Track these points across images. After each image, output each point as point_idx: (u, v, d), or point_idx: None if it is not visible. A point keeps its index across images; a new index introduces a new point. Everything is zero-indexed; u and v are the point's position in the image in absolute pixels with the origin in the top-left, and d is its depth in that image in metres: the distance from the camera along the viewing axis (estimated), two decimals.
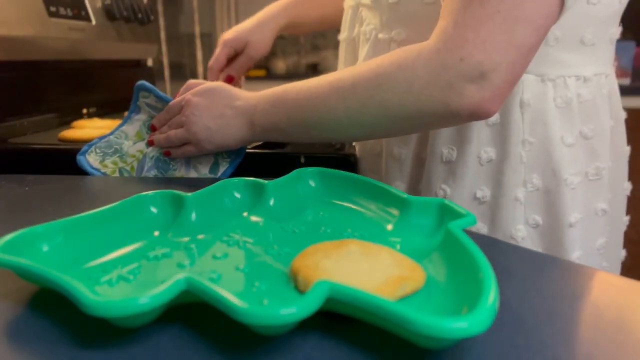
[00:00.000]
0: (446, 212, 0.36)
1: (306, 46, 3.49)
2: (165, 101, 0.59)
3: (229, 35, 0.83)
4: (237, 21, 2.41)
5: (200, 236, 0.36)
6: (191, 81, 0.59)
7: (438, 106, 0.45)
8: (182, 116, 0.56)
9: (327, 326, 0.26)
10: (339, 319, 0.26)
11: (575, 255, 0.57)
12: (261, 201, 0.42)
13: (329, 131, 0.52)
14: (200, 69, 2.19)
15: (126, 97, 1.07)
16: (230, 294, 0.23)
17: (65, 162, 0.62)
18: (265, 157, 0.60)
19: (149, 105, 0.61)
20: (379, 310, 0.22)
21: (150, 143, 0.60)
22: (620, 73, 1.89)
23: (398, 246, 0.36)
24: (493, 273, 0.25)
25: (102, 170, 0.58)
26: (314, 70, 3.22)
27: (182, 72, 2.28)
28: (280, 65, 3.15)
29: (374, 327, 0.25)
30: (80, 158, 0.58)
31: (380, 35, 0.62)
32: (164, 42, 1.94)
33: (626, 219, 0.67)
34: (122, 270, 0.31)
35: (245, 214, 0.41)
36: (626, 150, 0.64)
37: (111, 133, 0.61)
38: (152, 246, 0.34)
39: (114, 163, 0.59)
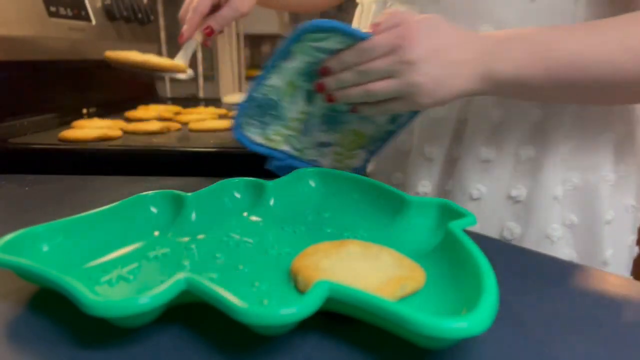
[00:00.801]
0: (446, 212, 0.36)
1: None
2: (357, 38, 0.43)
3: None
4: (237, 21, 2.41)
5: (200, 236, 0.36)
6: (396, 11, 0.44)
7: None
8: (397, 62, 0.41)
9: (327, 326, 0.26)
10: (339, 319, 0.26)
11: (608, 253, 0.55)
12: (261, 201, 0.42)
13: (606, 96, 0.45)
14: (200, 68, 2.18)
15: (126, 97, 1.07)
16: (230, 294, 0.23)
17: (65, 162, 0.62)
18: (265, 157, 0.60)
19: (319, 49, 0.44)
20: (379, 311, 0.22)
21: (320, 89, 0.46)
22: None
23: (398, 246, 0.36)
24: (493, 273, 0.25)
25: (269, 145, 0.50)
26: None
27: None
28: None
29: (373, 327, 0.25)
30: (238, 134, 0.49)
31: None
32: (164, 42, 1.94)
33: None
34: (122, 270, 0.31)
35: (245, 214, 0.41)
36: None
37: (253, 89, 0.47)
38: (152, 246, 0.34)
39: (278, 133, 0.50)
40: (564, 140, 0.53)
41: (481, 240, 0.30)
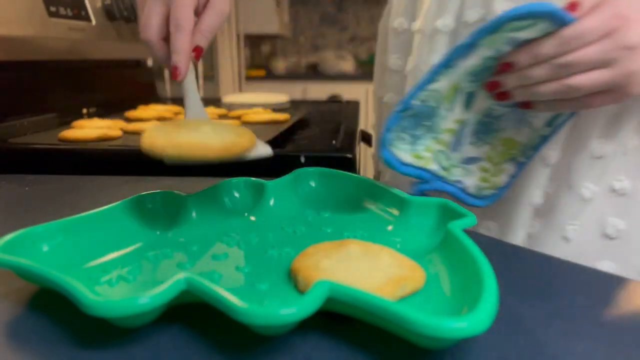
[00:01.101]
0: (446, 212, 0.36)
1: (306, 46, 3.49)
2: (563, 24, 0.35)
3: None
4: (237, 21, 2.41)
5: (200, 236, 0.36)
6: None
7: None
8: (610, 49, 0.35)
9: (327, 326, 0.26)
10: (339, 319, 0.26)
11: None
12: (261, 201, 0.42)
13: None
14: (200, 68, 2.19)
15: (126, 97, 1.07)
16: (230, 294, 0.23)
17: (65, 162, 0.62)
18: (266, 157, 0.60)
19: (511, 41, 0.38)
20: (379, 310, 0.22)
21: (493, 87, 0.40)
22: None
23: (398, 246, 0.36)
24: (493, 273, 0.25)
25: (417, 165, 0.43)
26: (314, 70, 3.22)
27: None
28: (280, 66, 3.15)
29: (373, 327, 0.25)
30: (386, 154, 0.43)
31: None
32: None
33: None
34: (122, 271, 0.31)
35: (245, 214, 0.41)
36: None
37: (412, 94, 0.41)
38: (152, 246, 0.34)
39: (429, 150, 0.44)
40: None
41: (480, 240, 0.30)
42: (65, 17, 0.88)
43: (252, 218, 0.41)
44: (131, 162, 0.61)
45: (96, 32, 0.97)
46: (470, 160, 0.45)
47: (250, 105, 1.03)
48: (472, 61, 0.39)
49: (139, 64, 1.27)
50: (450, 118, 0.43)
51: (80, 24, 0.92)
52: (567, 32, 0.35)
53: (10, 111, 0.78)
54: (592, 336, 0.26)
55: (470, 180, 0.46)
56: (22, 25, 0.76)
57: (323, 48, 3.41)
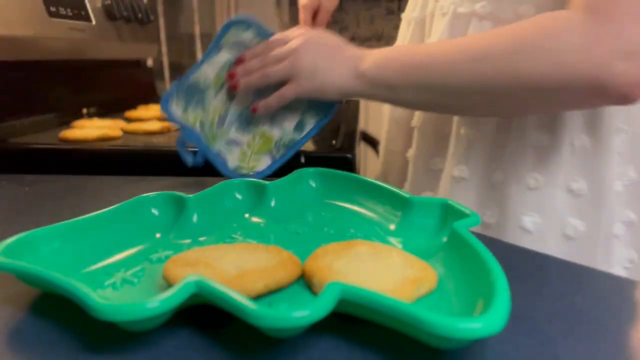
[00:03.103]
0: (449, 212, 0.36)
1: None
2: (265, 37, 0.56)
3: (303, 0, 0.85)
4: None
5: (202, 238, 0.36)
6: (297, 27, 0.58)
7: (587, 81, 0.41)
8: (287, 49, 0.53)
9: (338, 326, 0.26)
10: (346, 318, 0.26)
11: None
12: (262, 202, 0.42)
13: (447, 96, 0.49)
14: None
15: (126, 97, 1.07)
16: (242, 297, 0.23)
17: (65, 162, 0.62)
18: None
19: (239, 43, 0.57)
20: (395, 313, 0.22)
21: (231, 77, 0.55)
22: None
23: (400, 246, 0.36)
24: (503, 273, 0.25)
25: (184, 122, 0.56)
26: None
27: (182, 72, 2.28)
28: None
29: (385, 328, 0.25)
30: (164, 104, 0.56)
31: (460, 10, 0.58)
32: (164, 42, 1.93)
33: None
34: (125, 273, 0.30)
35: (246, 215, 0.41)
36: None
37: (188, 73, 0.57)
38: (155, 248, 0.34)
39: (196, 115, 0.56)
40: (617, 132, 0.52)
41: (480, 240, 0.30)
42: (65, 17, 0.87)
43: (254, 219, 0.41)
44: (131, 162, 0.61)
45: (96, 32, 0.97)
46: (232, 142, 0.57)
47: None
48: (223, 57, 0.57)
49: (139, 64, 1.27)
50: (216, 100, 0.57)
51: (80, 24, 0.92)
52: (266, 41, 0.56)
53: (10, 111, 0.78)
54: (592, 336, 0.26)
55: (231, 158, 0.56)
56: (22, 25, 0.76)
57: None
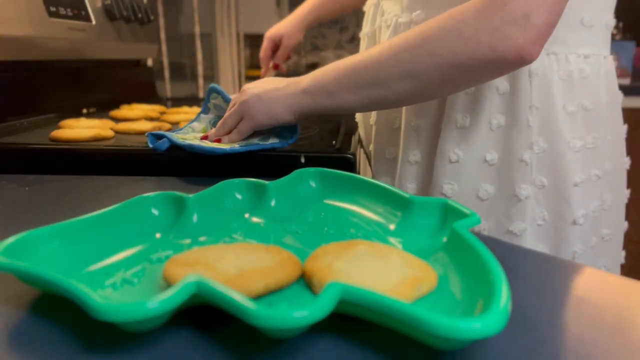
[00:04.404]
0: (449, 212, 0.36)
1: (306, 46, 3.48)
2: (227, 100, 0.67)
3: (269, 32, 1.10)
4: (237, 21, 2.41)
5: (202, 238, 0.36)
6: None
7: (486, 51, 0.48)
8: (235, 99, 0.61)
9: (338, 326, 0.26)
10: (347, 318, 0.26)
11: (580, 213, 0.61)
12: (262, 202, 0.42)
13: (380, 87, 0.54)
14: (200, 69, 2.18)
15: (126, 97, 1.07)
16: (242, 297, 0.23)
17: (65, 162, 0.62)
18: (266, 158, 0.60)
19: (216, 106, 0.69)
20: (395, 313, 0.22)
21: (203, 139, 0.63)
22: (620, 73, 1.89)
23: (400, 246, 0.36)
24: (504, 273, 0.25)
25: (161, 134, 0.62)
26: (314, 70, 3.21)
27: (182, 72, 2.28)
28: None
29: (385, 328, 0.25)
30: (150, 143, 0.61)
31: (400, 20, 0.67)
32: (164, 42, 1.93)
33: (627, 192, 0.71)
34: (126, 274, 0.30)
35: (246, 215, 0.41)
36: (624, 128, 0.70)
37: (181, 129, 0.68)
38: (155, 248, 0.34)
39: (177, 136, 0.62)
40: (530, 109, 0.60)
41: (482, 240, 0.30)
42: (65, 17, 0.87)
43: (254, 219, 0.41)
44: (130, 162, 0.61)
45: (96, 32, 0.97)
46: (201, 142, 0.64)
47: None
48: (210, 116, 0.71)
49: (139, 64, 1.27)
50: (193, 136, 0.66)
51: (80, 24, 0.92)
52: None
53: (10, 111, 0.78)
54: (592, 336, 0.26)
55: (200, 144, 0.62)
56: (22, 25, 0.76)
57: (323, 48, 3.41)
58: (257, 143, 0.62)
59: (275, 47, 1.11)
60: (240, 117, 0.60)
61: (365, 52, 0.55)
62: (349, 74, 0.55)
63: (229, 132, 0.62)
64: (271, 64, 1.15)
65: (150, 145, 0.60)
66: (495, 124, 0.61)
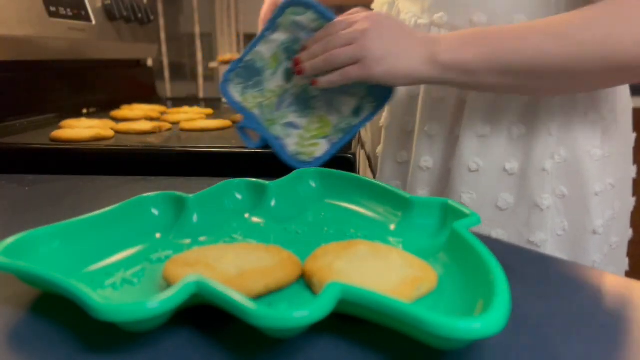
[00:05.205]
0: (449, 212, 0.36)
1: None
2: (327, 20, 0.54)
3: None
4: (237, 21, 2.41)
5: (202, 238, 0.36)
6: (358, 8, 0.56)
7: None
8: (354, 31, 0.51)
9: (338, 326, 0.26)
10: (347, 318, 0.26)
11: (599, 222, 0.60)
12: (262, 202, 0.42)
13: (532, 77, 0.50)
14: (200, 69, 2.18)
15: (126, 97, 1.07)
16: (242, 297, 0.23)
17: (65, 162, 0.62)
18: (266, 157, 0.60)
19: (297, 24, 0.55)
20: (395, 313, 0.22)
21: (296, 64, 0.54)
22: None
23: (400, 246, 0.36)
24: (504, 273, 0.25)
25: (243, 105, 0.56)
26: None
27: (182, 72, 2.28)
28: None
29: (385, 328, 0.25)
30: (223, 87, 0.57)
31: (420, 21, 0.64)
32: (164, 42, 1.94)
33: (633, 200, 0.71)
34: (126, 274, 0.30)
35: (246, 215, 0.41)
36: (633, 136, 0.69)
37: (245, 53, 0.57)
38: (155, 248, 0.34)
39: (254, 97, 0.57)
40: (552, 118, 0.58)
41: (480, 240, 0.30)
42: (65, 17, 0.87)
43: (254, 219, 0.40)
44: (130, 162, 0.61)
45: (96, 32, 0.97)
46: (290, 125, 0.57)
47: None
48: (279, 37, 0.56)
49: (139, 64, 1.27)
50: (273, 82, 0.57)
51: (80, 24, 0.92)
52: (330, 23, 0.54)
53: (10, 111, 0.78)
54: (592, 336, 0.26)
55: (289, 141, 0.56)
56: (22, 25, 0.76)
57: None
58: (351, 124, 0.55)
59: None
60: (354, 60, 0.51)
61: (521, 29, 0.50)
62: (499, 54, 0.49)
63: (331, 70, 0.52)
64: None
65: (250, 147, 0.57)
66: (516, 133, 0.60)
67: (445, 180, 0.65)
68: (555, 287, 0.32)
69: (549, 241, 0.60)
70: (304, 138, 0.56)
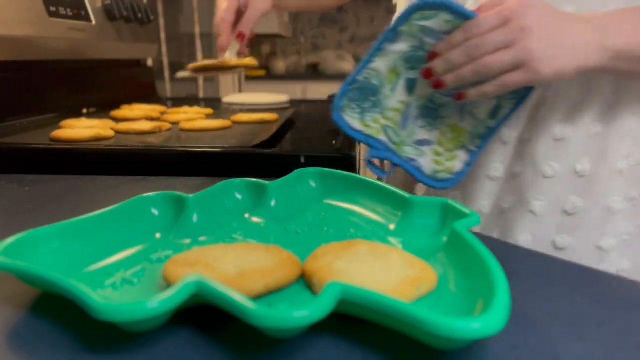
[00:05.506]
0: (449, 212, 0.36)
1: (306, 46, 3.49)
2: (465, 19, 0.44)
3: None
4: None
5: (202, 238, 0.36)
6: None
7: None
8: (510, 31, 0.42)
9: (338, 326, 0.26)
10: (347, 318, 0.26)
11: None
12: (262, 202, 0.42)
13: None
14: None
15: (126, 97, 1.07)
16: (242, 297, 0.23)
17: (65, 162, 0.62)
18: (266, 157, 0.60)
19: (425, 30, 0.46)
20: (395, 313, 0.22)
21: (428, 76, 0.47)
22: None
23: (400, 246, 0.36)
24: (504, 273, 0.25)
25: (366, 133, 0.50)
26: (314, 70, 3.22)
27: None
28: (280, 65, 3.15)
29: (384, 328, 0.25)
30: (336, 117, 0.50)
31: None
32: (164, 42, 1.94)
33: None
34: (126, 274, 0.30)
35: (246, 215, 0.41)
36: None
37: (357, 72, 0.49)
38: (155, 248, 0.34)
39: (376, 121, 0.50)
40: (630, 117, 0.53)
41: (480, 240, 0.30)
42: (65, 17, 0.88)
43: (254, 219, 0.40)
44: (131, 162, 0.61)
45: (96, 32, 0.97)
46: (422, 142, 0.52)
47: (250, 105, 1.03)
48: (401, 47, 0.47)
49: (139, 64, 1.27)
50: (394, 98, 0.50)
51: (80, 24, 0.92)
52: (470, 22, 0.44)
53: (10, 111, 0.78)
54: (592, 336, 0.26)
55: (424, 161, 0.51)
56: (22, 25, 0.76)
57: (323, 48, 3.41)
58: (490, 127, 0.50)
59: (239, 12, 0.78)
60: (516, 66, 0.43)
61: None
62: None
63: (485, 77, 0.45)
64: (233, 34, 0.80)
65: (385, 178, 0.53)
66: (594, 132, 0.54)
67: (508, 188, 0.59)
68: (555, 287, 0.32)
69: (616, 247, 0.56)
70: (439, 153, 0.51)
